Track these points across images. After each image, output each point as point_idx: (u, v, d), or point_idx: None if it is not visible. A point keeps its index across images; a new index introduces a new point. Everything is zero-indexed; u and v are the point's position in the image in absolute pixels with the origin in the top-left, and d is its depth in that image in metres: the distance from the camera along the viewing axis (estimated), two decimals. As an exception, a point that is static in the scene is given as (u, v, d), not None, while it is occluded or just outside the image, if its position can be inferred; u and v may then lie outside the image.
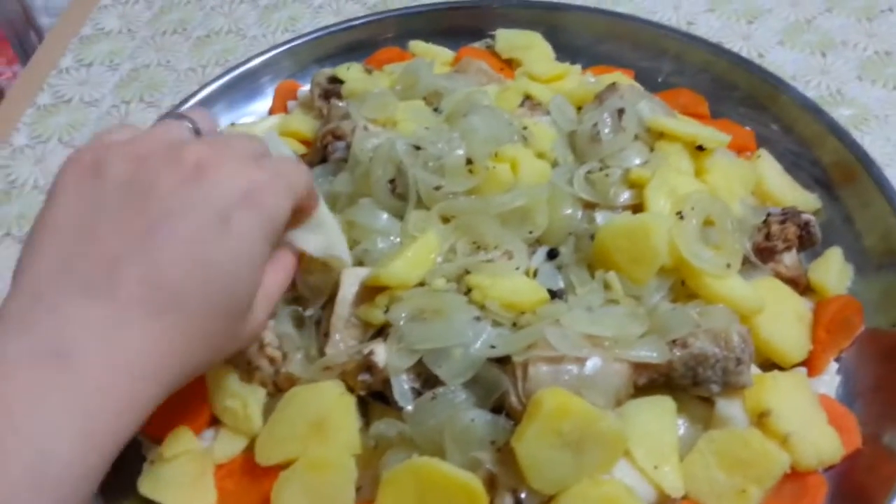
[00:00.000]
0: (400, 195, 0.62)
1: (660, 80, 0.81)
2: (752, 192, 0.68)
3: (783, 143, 0.74)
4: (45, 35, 1.17)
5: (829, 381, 0.60)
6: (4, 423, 0.35)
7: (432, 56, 0.81)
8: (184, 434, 0.54)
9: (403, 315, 0.53)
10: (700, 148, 0.65)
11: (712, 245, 0.58)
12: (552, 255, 0.61)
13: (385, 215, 0.61)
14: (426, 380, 0.52)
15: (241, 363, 0.56)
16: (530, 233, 0.60)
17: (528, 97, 0.73)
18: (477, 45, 0.86)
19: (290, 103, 0.81)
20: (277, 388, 0.56)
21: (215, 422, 0.56)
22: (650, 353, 0.53)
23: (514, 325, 0.54)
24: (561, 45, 0.84)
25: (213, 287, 0.42)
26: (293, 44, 0.84)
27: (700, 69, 0.80)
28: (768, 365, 0.59)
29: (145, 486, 0.52)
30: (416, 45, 0.84)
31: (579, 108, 0.71)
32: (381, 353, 0.52)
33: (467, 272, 0.57)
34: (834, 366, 0.61)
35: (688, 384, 0.54)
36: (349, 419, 0.52)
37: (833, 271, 0.64)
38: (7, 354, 0.37)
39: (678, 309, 0.56)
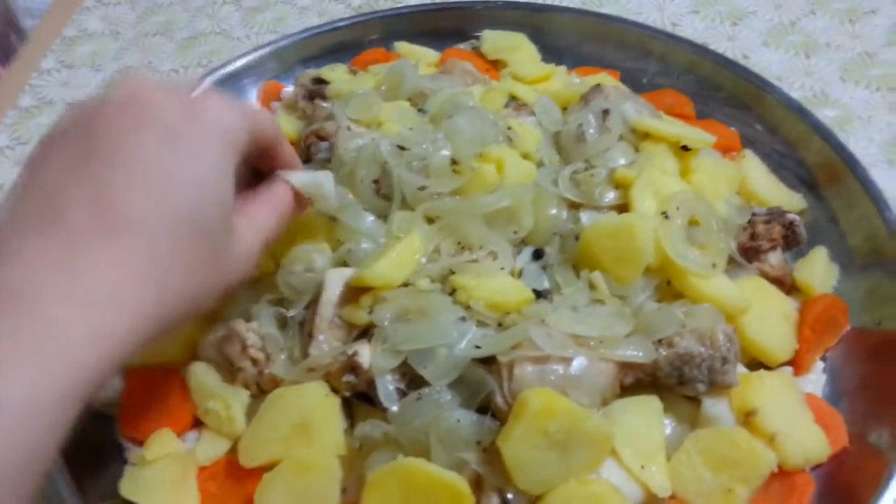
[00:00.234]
0: (384, 196, 0.61)
1: (645, 80, 0.81)
2: (737, 192, 0.68)
3: (768, 143, 0.74)
4: (27, 36, 1.16)
5: (816, 379, 0.60)
6: None
7: (417, 57, 0.81)
8: (166, 436, 0.53)
9: (388, 316, 0.53)
10: (685, 148, 0.65)
11: (697, 245, 0.58)
12: (537, 255, 0.60)
13: (370, 216, 0.60)
14: (411, 380, 0.52)
15: (224, 364, 0.56)
16: (515, 233, 0.60)
17: (513, 98, 0.73)
18: (462, 46, 0.86)
19: (274, 104, 0.81)
20: (261, 390, 0.55)
21: (198, 424, 0.56)
22: (636, 353, 0.52)
23: (500, 325, 0.54)
24: (546, 47, 0.84)
25: (170, 203, 0.41)
26: (278, 45, 0.84)
27: (685, 70, 0.81)
28: (755, 364, 0.59)
29: (126, 489, 0.52)
30: (402, 46, 0.84)
31: (564, 109, 0.71)
32: (365, 353, 0.52)
33: (452, 272, 0.56)
34: (820, 365, 0.61)
35: (674, 383, 0.54)
36: (334, 420, 0.52)
37: (818, 271, 0.64)
38: None
39: (664, 308, 0.56)
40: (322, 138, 0.67)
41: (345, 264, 0.58)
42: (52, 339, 0.35)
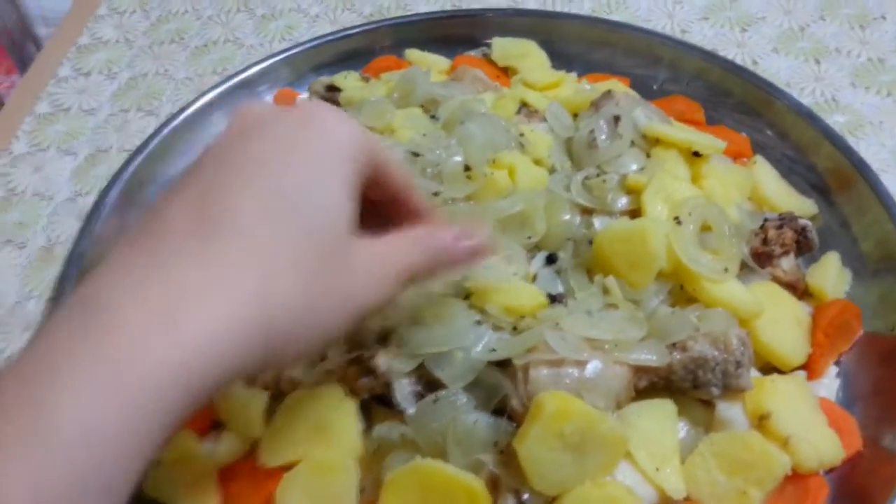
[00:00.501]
0: (399, 201, 0.62)
1: (655, 87, 0.82)
2: (748, 198, 0.68)
3: (779, 149, 0.74)
4: (43, 45, 1.17)
5: (829, 384, 0.60)
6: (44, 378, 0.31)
7: (428, 64, 0.82)
8: (187, 437, 0.54)
9: (404, 320, 0.53)
10: (696, 154, 0.66)
11: (710, 250, 0.59)
12: (551, 259, 0.61)
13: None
14: (428, 383, 0.52)
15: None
16: (529, 238, 0.61)
17: (524, 104, 0.74)
18: (473, 53, 0.86)
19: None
20: (280, 392, 0.56)
21: (218, 425, 0.56)
22: (650, 357, 0.53)
23: (514, 329, 0.54)
24: (556, 54, 0.84)
25: (275, 205, 0.37)
26: (290, 52, 0.84)
27: (695, 76, 0.81)
28: (768, 369, 0.59)
29: (151, 488, 0.52)
30: (413, 54, 0.85)
31: (575, 116, 0.72)
32: (382, 357, 0.52)
33: (466, 277, 0.57)
34: (833, 369, 0.61)
35: (688, 387, 0.54)
36: (351, 422, 0.52)
37: (831, 276, 0.64)
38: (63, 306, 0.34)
39: (677, 313, 0.56)
40: (337, 144, 0.67)
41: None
42: (127, 353, 0.32)
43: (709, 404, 0.55)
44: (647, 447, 0.51)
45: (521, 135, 0.67)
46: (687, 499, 0.51)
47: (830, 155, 0.71)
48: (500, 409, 0.52)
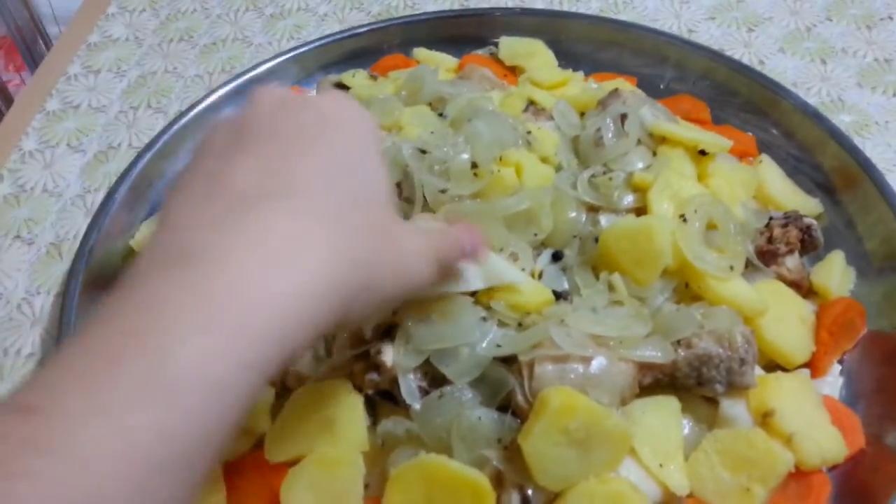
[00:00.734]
0: (406, 199, 0.62)
1: (662, 86, 0.82)
2: (753, 197, 0.69)
3: (784, 148, 0.75)
4: (53, 43, 1.18)
5: (833, 382, 0.60)
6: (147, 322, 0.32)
7: (436, 63, 0.82)
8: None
9: (411, 316, 0.54)
10: (702, 152, 0.66)
11: (715, 248, 0.59)
12: (557, 257, 0.61)
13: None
14: (433, 379, 0.53)
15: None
16: (535, 235, 0.61)
17: (531, 103, 0.74)
18: (480, 52, 0.87)
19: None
20: (286, 387, 0.56)
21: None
22: (655, 353, 0.53)
23: (520, 325, 0.54)
24: (563, 53, 0.84)
25: (330, 171, 0.39)
26: (299, 51, 0.85)
27: (701, 76, 0.81)
28: (772, 366, 0.59)
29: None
30: (420, 52, 0.85)
31: (582, 114, 0.72)
32: (388, 352, 0.53)
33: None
34: (837, 367, 0.61)
35: (692, 384, 0.54)
36: (357, 417, 0.53)
37: (835, 274, 0.64)
38: (139, 264, 0.35)
39: (682, 310, 0.56)
40: (344, 142, 0.68)
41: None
42: (229, 300, 0.32)
43: (713, 401, 0.55)
44: (652, 443, 0.51)
45: (529, 133, 0.67)
46: (690, 495, 0.52)
47: (836, 154, 0.71)
48: (505, 405, 0.52)
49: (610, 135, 0.66)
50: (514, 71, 0.84)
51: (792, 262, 0.63)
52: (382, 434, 0.53)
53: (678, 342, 0.54)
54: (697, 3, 0.96)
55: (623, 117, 0.67)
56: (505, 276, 0.54)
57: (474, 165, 0.62)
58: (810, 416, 0.54)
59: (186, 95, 0.89)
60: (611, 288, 0.57)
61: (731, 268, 0.58)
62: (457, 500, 0.48)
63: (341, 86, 0.79)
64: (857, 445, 0.55)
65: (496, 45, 0.86)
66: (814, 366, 0.59)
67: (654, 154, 0.66)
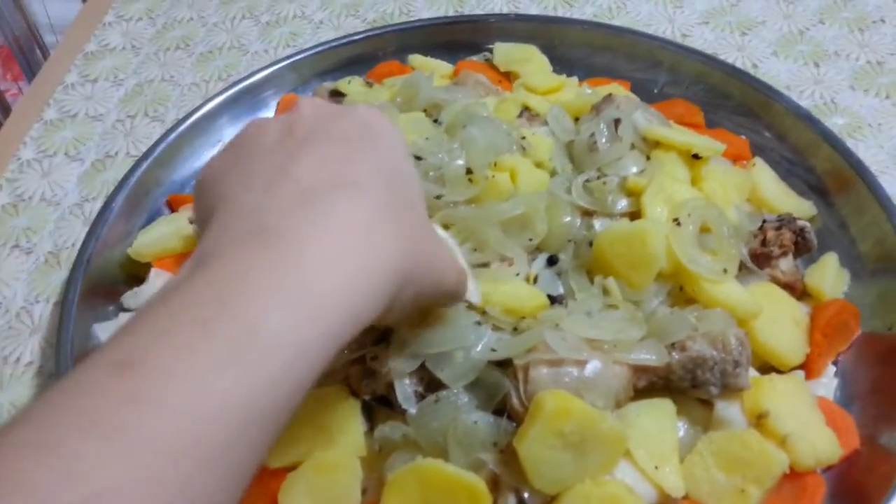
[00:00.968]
0: (402, 204, 0.63)
1: (656, 90, 0.83)
2: (747, 200, 0.69)
3: (778, 151, 0.75)
4: (50, 52, 1.18)
5: (828, 383, 0.61)
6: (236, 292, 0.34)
7: (431, 69, 0.83)
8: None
9: (406, 320, 0.54)
10: (695, 156, 0.66)
11: (709, 251, 0.59)
12: (552, 261, 0.62)
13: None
14: (429, 383, 0.53)
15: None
16: (530, 240, 0.61)
17: (526, 108, 0.74)
18: (475, 58, 0.87)
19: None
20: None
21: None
22: (649, 356, 0.53)
23: (515, 329, 0.55)
24: (558, 58, 0.85)
25: (378, 171, 0.42)
26: (295, 58, 0.85)
27: (695, 80, 0.82)
28: (766, 368, 0.59)
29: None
30: (416, 59, 0.86)
31: (576, 119, 0.73)
32: (384, 358, 0.53)
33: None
34: (832, 369, 0.62)
35: (687, 386, 0.55)
36: (354, 422, 0.53)
37: (829, 276, 0.65)
38: (208, 243, 0.38)
39: (676, 313, 0.57)
40: (340, 149, 0.68)
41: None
42: (312, 277, 0.36)
43: (707, 403, 0.56)
44: (647, 446, 0.52)
45: (523, 138, 0.68)
46: (686, 497, 0.52)
47: (829, 157, 0.72)
48: (501, 409, 0.52)
49: (604, 139, 0.67)
50: (508, 77, 0.84)
51: (786, 265, 0.64)
52: (379, 439, 0.53)
53: (672, 345, 0.54)
54: (691, 8, 0.97)
55: (617, 122, 0.67)
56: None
57: (469, 171, 0.63)
58: (804, 418, 0.55)
59: (183, 104, 0.89)
60: (605, 292, 0.58)
61: (725, 270, 0.58)
62: (453, 504, 0.48)
63: (337, 93, 0.79)
64: (852, 446, 0.56)
65: (491, 51, 0.86)
66: (808, 367, 0.60)
67: (648, 158, 0.66)
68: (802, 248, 0.65)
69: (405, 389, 0.53)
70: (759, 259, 0.63)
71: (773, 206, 0.69)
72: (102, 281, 0.68)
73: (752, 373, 0.57)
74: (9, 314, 0.71)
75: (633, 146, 0.67)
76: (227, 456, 0.31)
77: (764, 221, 0.65)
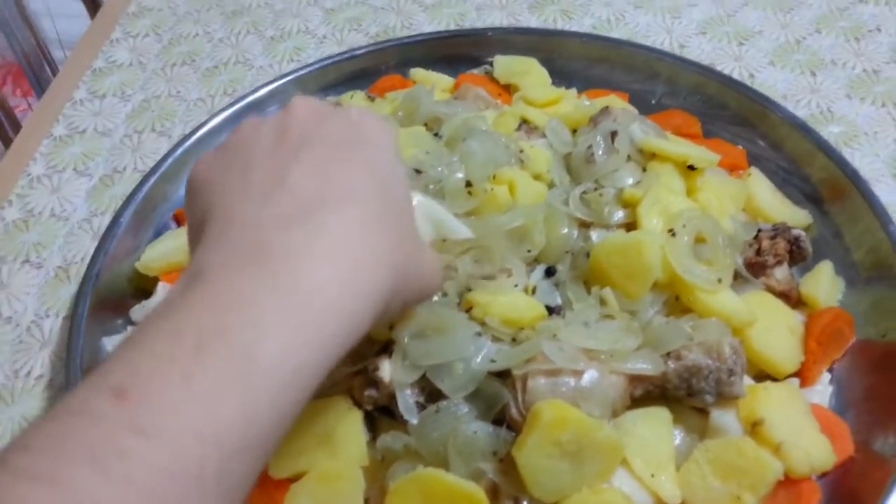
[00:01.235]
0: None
1: (653, 101, 0.84)
2: (743, 209, 0.70)
3: (773, 160, 0.76)
4: (59, 68, 1.20)
5: (822, 391, 0.62)
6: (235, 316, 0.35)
7: (432, 83, 0.84)
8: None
9: (407, 332, 0.55)
10: (691, 167, 0.67)
11: (704, 261, 0.60)
12: (550, 272, 0.63)
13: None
14: (430, 394, 0.54)
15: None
16: (529, 251, 0.62)
17: (524, 121, 0.76)
18: (476, 71, 0.88)
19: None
20: (287, 404, 0.57)
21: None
22: (645, 366, 0.54)
23: (514, 340, 0.56)
24: (557, 70, 0.86)
25: (367, 179, 0.43)
26: (299, 73, 0.87)
27: (692, 90, 0.83)
28: (762, 376, 0.60)
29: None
30: (417, 73, 0.87)
31: (574, 131, 0.74)
32: (385, 368, 0.54)
33: (468, 290, 0.59)
34: (826, 376, 0.62)
35: (682, 395, 0.56)
36: (356, 432, 0.54)
37: (824, 284, 0.66)
38: (207, 257, 0.38)
39: (672, 323, 0.58)
40: (342, 163, 0.70)
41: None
42: (307, 299, 0.36)
43: (703, 412, 0.57)
44: (643, 454, 0.53)
45: (521, 151, 0.69)
46: (682, 504, 0.53)
47: (824, 166, 0.72)
48: (500, 419, 0.53)
49: (600, 152, 0.68)
50: (508, 89, 0.85)
51: (781, 274, 0.64)
52: (381, 449, 0.55)
53: (668, 354, 0.55)
54: (689, 19, 0.98)
55: (613, 134, 0.68)
56: (450, 229, 0.56)
57: (468, 184, 0.64)
58: (799, 425, 0.56)
59: (189, 118, 0.91)
60: (602, 302, 0.59)
61: (720, 280, 0.59)
62: (454, 512, 0.50)
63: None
64: (846, 453, 0.57)
65: (491, 64, 0.87)
66: (803, 375, 0.61)
67: (644, 170, 0.67)
68: (797, 257, 0.66)
69: (406, 400, 0.54)
70: (755, 268, 0.64)
71: (768, 215, 0.70)
72: (111, 295, 0.69)
73: (748, 381, 0.58)
74: (19, 328, 0.73)
75: (629, 158, 0.68)
76: (225, 479, 0.32)
77: (759, 231, 0.66)
